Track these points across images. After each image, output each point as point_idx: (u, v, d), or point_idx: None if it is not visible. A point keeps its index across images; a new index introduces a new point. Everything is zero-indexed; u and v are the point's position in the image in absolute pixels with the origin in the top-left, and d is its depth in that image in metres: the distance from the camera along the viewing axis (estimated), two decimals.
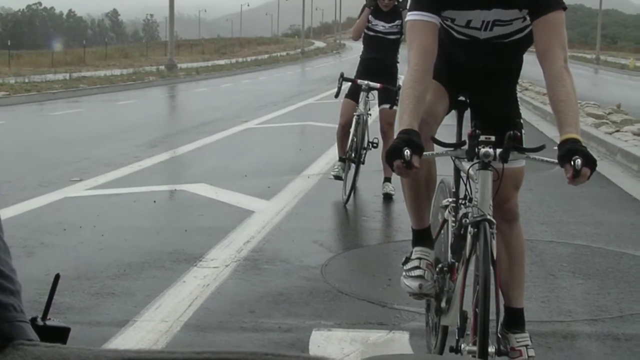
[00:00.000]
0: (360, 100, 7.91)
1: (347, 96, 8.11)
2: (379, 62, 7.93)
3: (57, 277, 0.89)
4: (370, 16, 8.02)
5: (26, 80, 29.38)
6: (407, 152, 2.74)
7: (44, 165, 10.21)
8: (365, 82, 7.81)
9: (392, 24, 7.98)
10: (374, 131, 8.16)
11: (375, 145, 8.05)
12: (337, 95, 8.06)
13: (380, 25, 8.01)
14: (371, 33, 8.10)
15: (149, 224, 6.98)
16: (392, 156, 2.78)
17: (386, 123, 7.81)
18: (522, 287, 3.55)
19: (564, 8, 3.04)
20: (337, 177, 8.03)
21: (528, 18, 3.08)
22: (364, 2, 8.26)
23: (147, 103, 23.76)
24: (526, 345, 3.41)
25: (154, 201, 7.93)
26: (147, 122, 16.35)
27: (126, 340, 4.08)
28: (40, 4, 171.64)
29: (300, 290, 4.98)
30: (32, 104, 22.48)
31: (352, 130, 7.97)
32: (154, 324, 4.32)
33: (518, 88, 3.58)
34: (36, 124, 17.64)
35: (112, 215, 7.32)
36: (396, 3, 7.94)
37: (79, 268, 5.39)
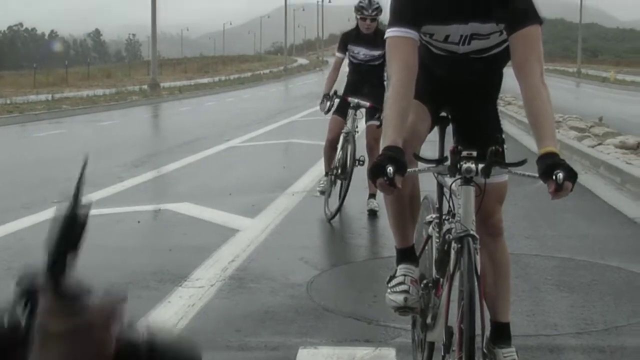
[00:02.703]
0: (348, 117, 7.93)
1: (335, 112, 8.12)
2: (366, 83, 7.94)
3: (86, 158, 0.87)
4: (350, 45, 8.03)
5: (8, 102, 29.28)
6: (390, 169, 2.75)
7: (26, 187, 10.16)
8: (355, 100, 7.83)
9: (375, 51, 7.90)
10: (361, 147, 8.17)
11: (362, 162, 8.05)
12: (327, 112, 8.07)
13: (362, 54, 8.01)
14: (354, 61, 8.14)
15: (133, 243, 6.95)
16: (375, 174, 2.78)
17: (373, 139, 7.81)
18: (507, 302, 3.55)
19: (540, 22, 3.06)
20: (323, 193, 8.05)
21: (505, 32, 3.10)
22: (341, 33, 8.35)
23: (130, 123, 23.72)
24: None
25: (138, 221, 7.90)
26: (131, 142, 16.32)
27: None
28: (21, 25, 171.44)
29: (286, 308, 4.97)
30: (14, 126, 22.39)
31: (339, 147, 7.99)
32: None
33: (501, 102, 3.60)
34: (19, 146, 17.56)
35: (96, 236, 7.27)
36: (379, 27, 7.90)
37: None
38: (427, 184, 3.68)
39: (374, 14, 7.81)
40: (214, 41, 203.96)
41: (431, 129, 3.50)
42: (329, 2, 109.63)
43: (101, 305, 0.77)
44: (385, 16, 7.58)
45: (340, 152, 7.97)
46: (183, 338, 0.79)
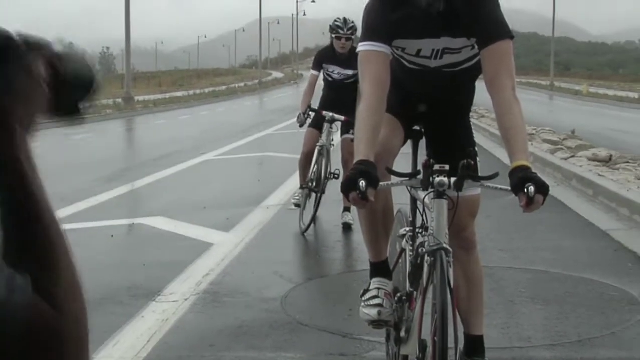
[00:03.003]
0: (323, 131, 7.96)
1: (311, 125, 8.16)
2: (341, 99, 7.96)
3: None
4: (324, 64, 8.07)
5: None
6: (362, 183, 2.75)
7: None
8: (330, 114, 7.86)
9: (349, 70, 7.93)
10: (336, 161, 8.19)
11: (336, 176, 8.08)
12: (302, 125, 8.10)
13: (337, 72, 8.05)
14: (329, 79, 8.18)
15: (107, 259, 6.90)
16: (347, 188, 2.79)
17: (347, 152, 7.81)
18: (481, 314, 3.56)
19: (512, 37, 3.09)
20: (297, 205, 8.06)
21: (476, 47, 3.13)
22: (317, 51, 8.39)
23: (104, 137, 23.58)
24: None
25: (112, 236, 7.85)
26: (105, 156, 16.23)
27: None
28: None
29: (261, 322, 4.95)
30: None
31: (314, 160, 8.01)
32: None
33: (474, 115, 3.63)
34: None
35: None
36: (354, 47, 7.92)
37: None
38: (401, 198, 3.69)
39: (349, 32, 7.83)
40: (188, 55, 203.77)
41: (404, 142, 3.51)
42: (304, 15, 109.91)
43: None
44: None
45: (315, 166, 7.99)
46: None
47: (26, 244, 0.91)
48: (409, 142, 3.56)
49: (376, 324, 3.44)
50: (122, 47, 47.15)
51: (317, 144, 7.98)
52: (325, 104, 8.10)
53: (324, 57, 8.12)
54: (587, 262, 6.49)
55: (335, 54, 7.95)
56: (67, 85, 1.03)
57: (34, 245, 0.91)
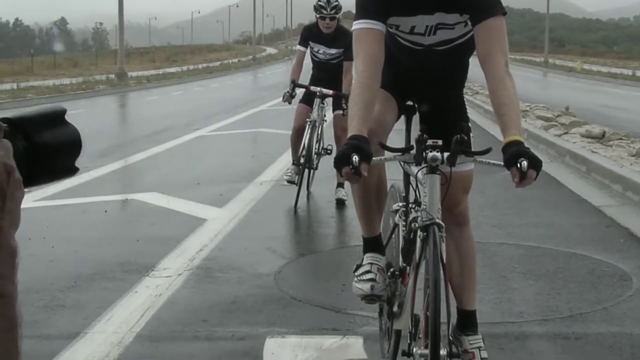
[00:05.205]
0: (314, 106, 7.96)
1: (301, 101, 8.17)
2: (328, 77, 7.96)
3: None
4: (310, 42, 8.03)
5: None
6: (355, 158, 2.75)
7: None
8: (318, 88, 7.86)
9: (333, 49, 7.93)
10: (329, 136, 8.18)
11: (329, 152, 8.09)
12: (289, 102, 8.08)
13: (321, 52, 8.03)
14: (315, 59, 8.17)
15: (100, 234, 6.90)
16: (340, 163, 2.78)
17: (340, 128, 7.83)
18: (474, 290, 3.58)
19: (504, 13, 3.08)
20: (290, 182, 8.07)
21: (469, 23, 3.12)
22: (303, 27, 8.38)
23: (97, 112, 23.52)
24: (479, 347, 3.45)
25: (105, 211, 7.84)
26: (98, 132, 16.16)
27: (76, 353, 4.02)
28: None
29: (254, 298, 4.96)
30: None
31: (305, 135, 8.01)
32: (106, 335, 4.26)
33: (468, 92, 3.62)
34: None
35: (62, 226, 7.22)
36: (340, 25, 7.90)
37: (28, 281, 5.29)
38: (394, 173, 3.69)
39: (332, 12, 7.80)
40: (182, 30, 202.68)
41: (398, 118, 3.51)
42: None
43: None
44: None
45: (306, 142, 7.99)
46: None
47: None
48: (402, 119, 3.55)
49: (369, 298, 3.44)
50: (115, 23, 46.93)
51: (308, 119, 7.98)
52: (315, 81, 8.10)
53: (309, 34, 8.09)
54: (579, 238, 6.52)
55: (321, 33, 7.93)
56: (51, 151, 1.07)
57: None
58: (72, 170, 1.16)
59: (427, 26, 3.20)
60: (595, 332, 4.29)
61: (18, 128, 1.06)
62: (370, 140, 2.89)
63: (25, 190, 1.04)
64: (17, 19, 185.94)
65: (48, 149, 1.07)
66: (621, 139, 12.12)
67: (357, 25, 3.15)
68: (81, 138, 1.15)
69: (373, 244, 3.54)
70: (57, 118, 1.10)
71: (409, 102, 3.49)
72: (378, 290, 3.40)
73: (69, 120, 1.18)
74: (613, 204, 7.87)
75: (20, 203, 1.05)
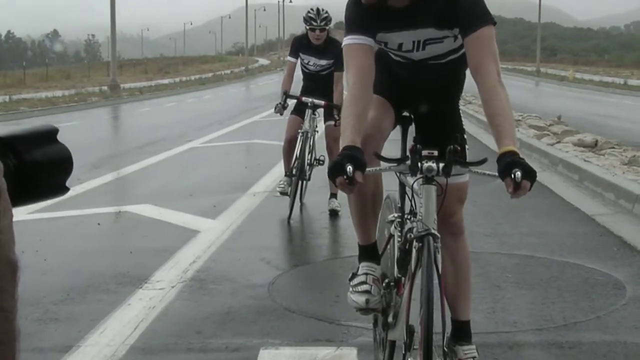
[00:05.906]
0: (305, 117, 7.96)
1: (293, 112, 8.16)
2: (318, 89, 7.96)
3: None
4: (301, 53, 8.04)
5: None
6: (349, 168, 2.75)
7: None
8: (310, 99, 7.86)
9: (323, 60, 7.93)
10: (321, 147, 8.19)
11: (321, 162, 8.10)
12: (281, 113, 8.08)
13: (311, 64, 8.04)
14: (305, 70, 8.17)
15: (93, 246, 6.88)
16: (334, 173, 2.78)
17: (332, 139, 7.84)
18: (468, 300, 3.57)
19: (493, 23, 3.09)
20: (283, 193, 8.06)
21: (459, 37, 3.12)
22: (293, 37, 8.37)
23: (90, 124, 23.50)
24: (473, 357, 3.44)
25: (98, 223, 7.82)
26: (90, 144, 16.15)
27: None
28: None
29: (247, 309, 4.95)
30: None
31: (297, 146, 8.01)
32: (99, 348, 4.24)
33: (461, 102, 3.62)
34: None
35: (55, 239, 7.20)
36: (330, 36, 7.91)
37: (21, 293, 5.24)
38: (390, 184, 3.69)
39: (322, 24, 7.81)
40: (174, 42, 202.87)
41: (394, 125, 3.51)
42: (290, 2, 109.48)
43: None
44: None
45: (299, 152, 7.99)
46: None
47: None
48: (398, 129, 3.56)
49: (364, 311, 3.44)
50: (107, 34, 46.92)
51: (300, 130, 7.98)
52: (306, 92, 8.11)
53: (300, 46, 8.09)
54: (573, 247, 6.52)
55: (311, 44, 7.94)
56: (42, 171, 1.08)
57: None
58: (62, 190, 1.16)
59: (414, 42, 3.22)
60: (590, 341, 4.29)
61: (9, 147, 1.06)
62: (366, 146, 2.91)
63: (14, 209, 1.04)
64: (9, 32, 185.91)
65: (38, 168, 1.07)
66: (613, 147, 12.16)
67: (347, 41, 3.18)
68: (72, 158, 1.15)
69: (369, 252, 3.53)
70: (48, 137, 1.10)
71: (405, 113, 3.50)
72: (373, 304, 3.40)
73: (60, 139, 1.18)
74: (606, 212, 7.89)
75: (12, 221, 1.06)
